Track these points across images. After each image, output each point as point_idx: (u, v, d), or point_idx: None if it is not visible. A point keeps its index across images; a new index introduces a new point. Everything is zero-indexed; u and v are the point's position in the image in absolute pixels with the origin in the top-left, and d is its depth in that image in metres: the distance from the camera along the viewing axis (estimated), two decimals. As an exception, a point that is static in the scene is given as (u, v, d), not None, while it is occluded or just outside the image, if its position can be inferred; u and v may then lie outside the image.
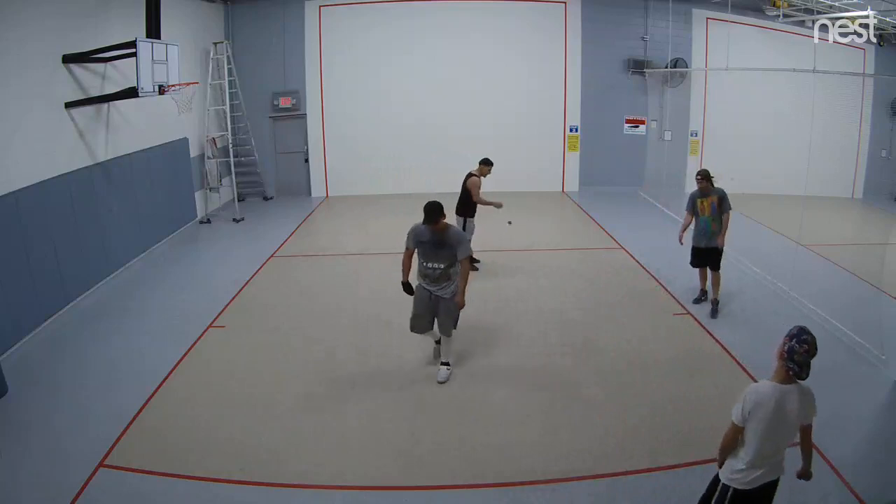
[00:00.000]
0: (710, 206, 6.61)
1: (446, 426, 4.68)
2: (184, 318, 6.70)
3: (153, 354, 5.85)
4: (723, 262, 6.76)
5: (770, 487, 3.03)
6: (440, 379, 5.30)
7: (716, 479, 3.14)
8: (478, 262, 8.41)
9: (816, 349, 2.83)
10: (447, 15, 12.47)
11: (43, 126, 6.65)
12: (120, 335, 6.32)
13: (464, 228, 8.04)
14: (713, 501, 3.09)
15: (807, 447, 3.07)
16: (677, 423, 4.62)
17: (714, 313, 6.69)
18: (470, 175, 7.97)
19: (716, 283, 6.79)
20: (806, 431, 3.00)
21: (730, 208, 6.62)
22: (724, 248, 6.73)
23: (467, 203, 7.92)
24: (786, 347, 2.83)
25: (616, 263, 8.54)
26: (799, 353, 2.79)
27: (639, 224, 10.62)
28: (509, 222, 8.35)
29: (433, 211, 4.88)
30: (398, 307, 7.00)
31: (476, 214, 8.04)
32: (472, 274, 8.27)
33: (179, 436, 4.56)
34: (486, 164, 8.07)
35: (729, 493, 3.00)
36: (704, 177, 6.63)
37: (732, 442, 2.98)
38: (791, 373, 2.83)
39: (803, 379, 2.84)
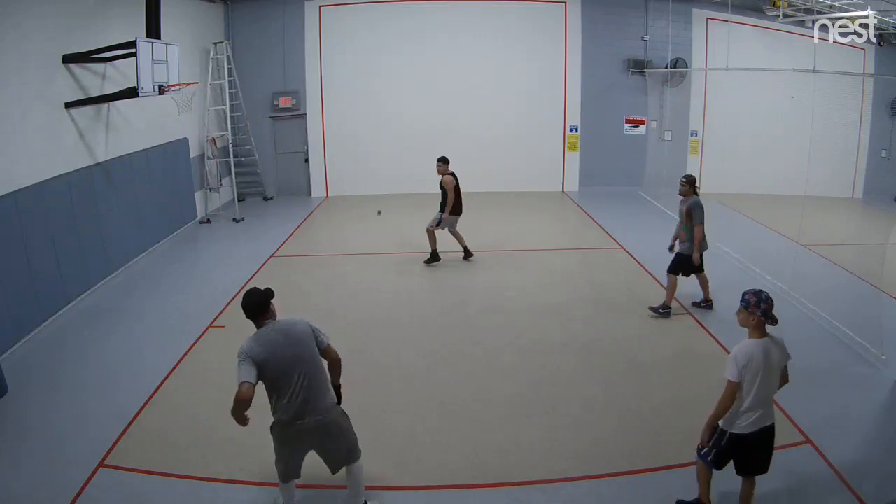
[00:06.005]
0: (681, 214, 6.55)
1: (446, 426, 4.68)
2: (184, 318, 6.70)
3: (153, 354, 5.86)
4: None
5: (767, 434, 3.41)
6: None
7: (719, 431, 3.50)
8: (471, 255, 8.55)
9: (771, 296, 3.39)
10: (447, 15, 12.47)
11: (43, 126, 6.65)
12: (120, 335, 6.32)
13: (438, 223, 8.29)
14: (712, 444, 3.49)
15: (783, 381, 3.51)
16: (677, 423, 4.62)
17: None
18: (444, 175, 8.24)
19: (701, 284, 6.77)
20: (784, 371, 3.48)
21: (700, 223, 6.35)
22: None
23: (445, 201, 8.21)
24: (759, 312, 3.33)
25: (616, 263, 8.54)
26: (769, 308, 3.34)
27: (639, 224, 10.61)
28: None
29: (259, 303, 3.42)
30: (398, 307, 7.02)
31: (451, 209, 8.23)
32: (472, 273, 8.47)
33: (179, 436, 4.57)
34: (440, 161, 8.35)
35: (726, 437, 3.43)
36: (685, 182, 6.53)
37: (731, 400, 3.35)
38: (770, 324, 3.36)
39: (777, 323, 3.35)
